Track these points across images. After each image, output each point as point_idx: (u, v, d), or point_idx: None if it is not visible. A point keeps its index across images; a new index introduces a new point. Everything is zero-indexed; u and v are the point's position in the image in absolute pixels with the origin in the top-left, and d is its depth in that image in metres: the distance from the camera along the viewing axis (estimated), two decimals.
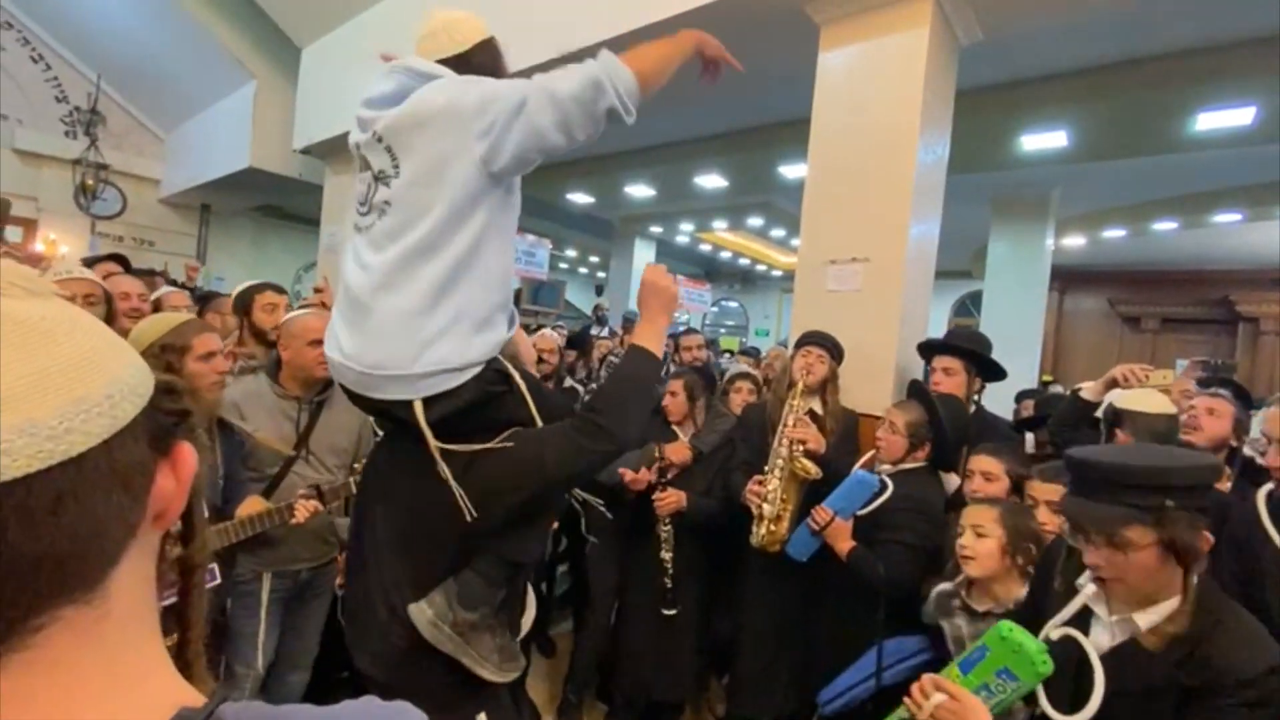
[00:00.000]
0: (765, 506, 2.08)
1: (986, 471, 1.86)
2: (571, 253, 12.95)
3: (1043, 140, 4.67)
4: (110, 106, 8.17)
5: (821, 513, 1.94)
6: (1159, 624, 1.04)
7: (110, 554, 0.35)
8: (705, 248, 11.54)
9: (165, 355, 1.58)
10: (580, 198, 8.06)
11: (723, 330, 14.70)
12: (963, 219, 6.65)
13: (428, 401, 1.14)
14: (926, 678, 1.13)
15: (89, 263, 2.10)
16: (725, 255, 12.12)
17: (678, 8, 3.00)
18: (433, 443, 1.14)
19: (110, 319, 2.00)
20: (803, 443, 2.09)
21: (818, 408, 2.33)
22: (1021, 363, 6.06)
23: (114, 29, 7.04)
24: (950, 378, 2.31)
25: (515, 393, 1.22)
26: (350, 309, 1.19)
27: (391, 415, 1.21)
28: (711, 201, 7.57)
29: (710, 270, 13.86)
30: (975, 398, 2.47)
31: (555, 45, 3.56)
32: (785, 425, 2.14)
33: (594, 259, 13.40)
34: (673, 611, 2.33)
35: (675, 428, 2.53)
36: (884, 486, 1.95)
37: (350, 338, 1.18)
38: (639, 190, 7.39)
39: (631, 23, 3.19)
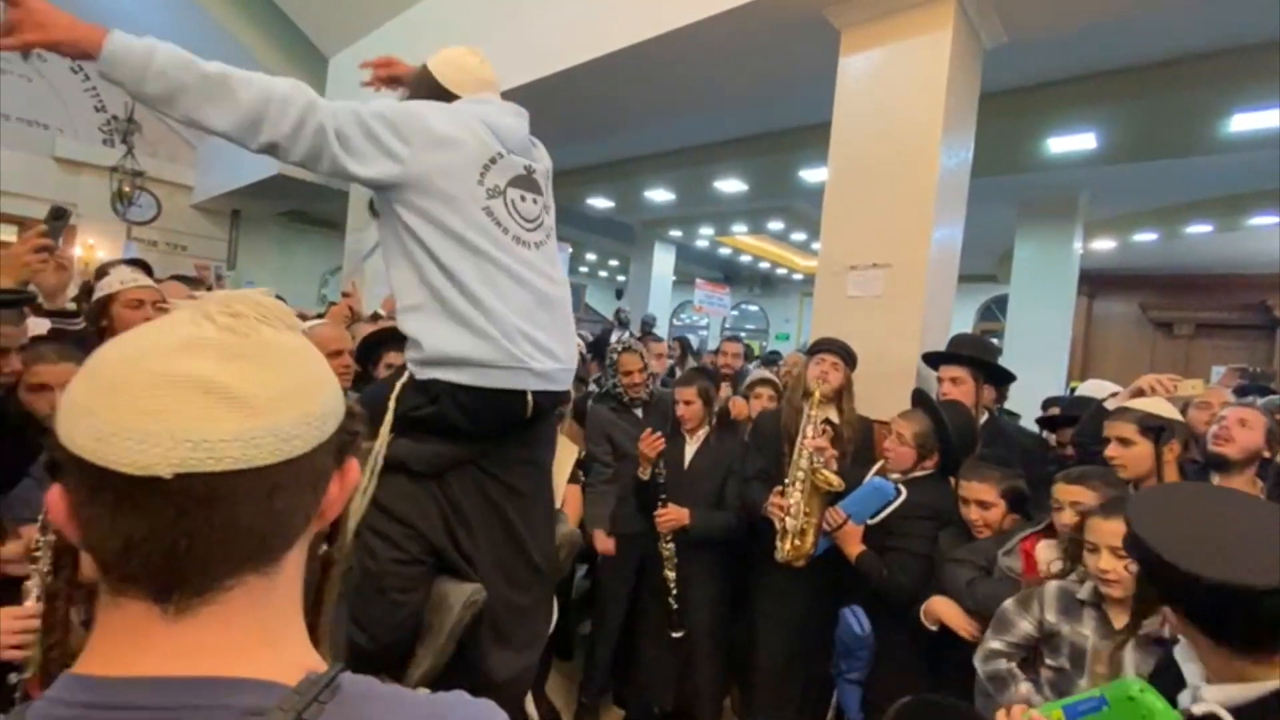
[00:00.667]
0: (789, 520, 2.06)
1: (981, 500, 1.82)
2: (591, 256, 13.00)
3: (1070, 142, 4.58)
4: (146, 115, 8.40)
5: (835, 514, 1.99)
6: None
7: (291, 538, 0.44)
8: (725, 251, 11.51)
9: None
10: (600, 202, 8.10)
11: (743, 334, 14.64)
12: (987, 222, 6.55)
13: None
14: (1017, 710, 0.99)
15: (109, 265, 2.25)
16: (745, 259, 12.07)
17: (700, 13, 3.01)
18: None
19: None
20: (823, 452, 2.08)
21: (834, 416, 2.31)
22: (1048, 369, 5.95)
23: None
24: (958, 386, 2.29)
25: None
26: (556, 317, 1.37)
27: (540, 409, 1.37)
28: (731, 205, 7.56)
29: (730, 274, 13.82)
30: (998, 407, 2.44)
31: (584, 50, 3.61)
32: (804, 436, 2.12)
33: (614, 263, 13.44)
34: (680, 634, 2.31)
35: (686, 434, 2.51)
36: (899, 494, 1.96)
37: (562, 344, 1.37)
38: (659, 194, 7.40)
39: (657, 28, 3.21)
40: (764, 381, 3.01)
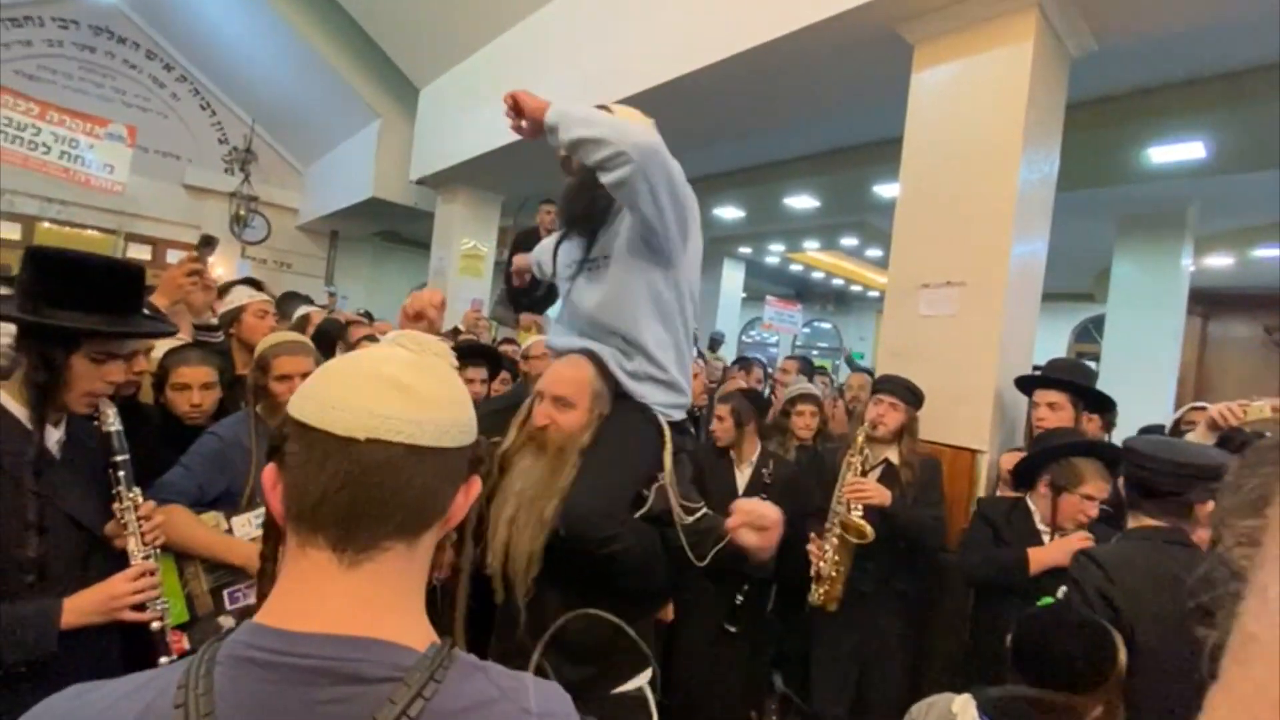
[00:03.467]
0: (821, 565, 2.09)
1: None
2: None
3: (1175, 152, 4.27)
4: (261, 146, 9.27)
5: None
6: None
7: (430, 520, 0.56)
8: (796, 268, 11.34)
9: (258, 367, 1.73)
10: None
11: (815, 353, 14.30)
12: (1083, 237, 6.15)
13: None
14: None
15: (230, 284, 2.55)
16: (818, 275, 11.84)
17: (769, 34, 3.05)
18: None
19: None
20: (865, 499, 2.05)
21: (894, 457, 2.26)
22: (1152, 395, 5.49)
23: (267, 78, 8.03)
24: (1055, 412, 2.19)
25: None
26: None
27: None
28: (803, 222, 7.47)
29: (802, 291, 13.58)
30: (1106, 435, 2.32)
31: (656, 75, 3.72)
32: (843, 482, 2.12)
33: None
34: (734, 629, 2.30)
35: (731, 453, 2.51)
36: None
37: None
38: (728, 212, 7.42)
39: (730, 49, 3.27)
40: (806, 398, 2.89)
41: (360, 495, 0.50)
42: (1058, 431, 2.10)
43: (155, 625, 1.26)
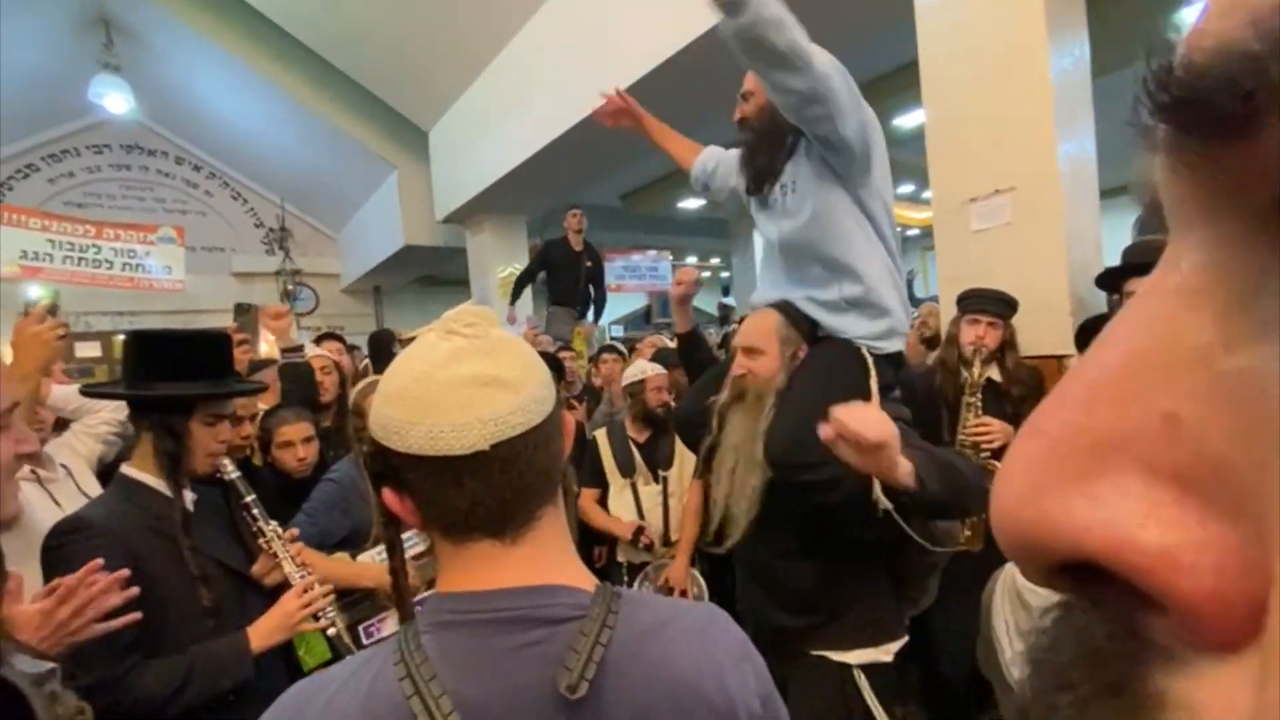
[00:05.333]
0: None
1: None
2: (692, 259, 13.07)
3: None
4: (294, 221, 9.71)
5: None
6: None
7: (559, 473, 0.60)
8: None
9: (356, 414, 1.91)
10: (690, 204, 8.16)
11: None
12: (1126, 124, 5.81)
13: None
14: None
15: (319, 339, 3.03)
16: None
17: None
18: None
19: (341, 383, 2.65)
20: (989, 444, 1.96)
21: (996, 375, 2.18)
22: None
23: (285, 156, 8.41)
24: None
25: None
26: None
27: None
28: None
29: None
30: None
31: (643, 64, 3.71)
32: (964, 425, 2.01)
33: (715, 260, 13.41)
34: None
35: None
36: None
37: None
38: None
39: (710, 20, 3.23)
40: None
41: (506, 492, 0.54)
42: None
43: (331, 631, 1.37)
